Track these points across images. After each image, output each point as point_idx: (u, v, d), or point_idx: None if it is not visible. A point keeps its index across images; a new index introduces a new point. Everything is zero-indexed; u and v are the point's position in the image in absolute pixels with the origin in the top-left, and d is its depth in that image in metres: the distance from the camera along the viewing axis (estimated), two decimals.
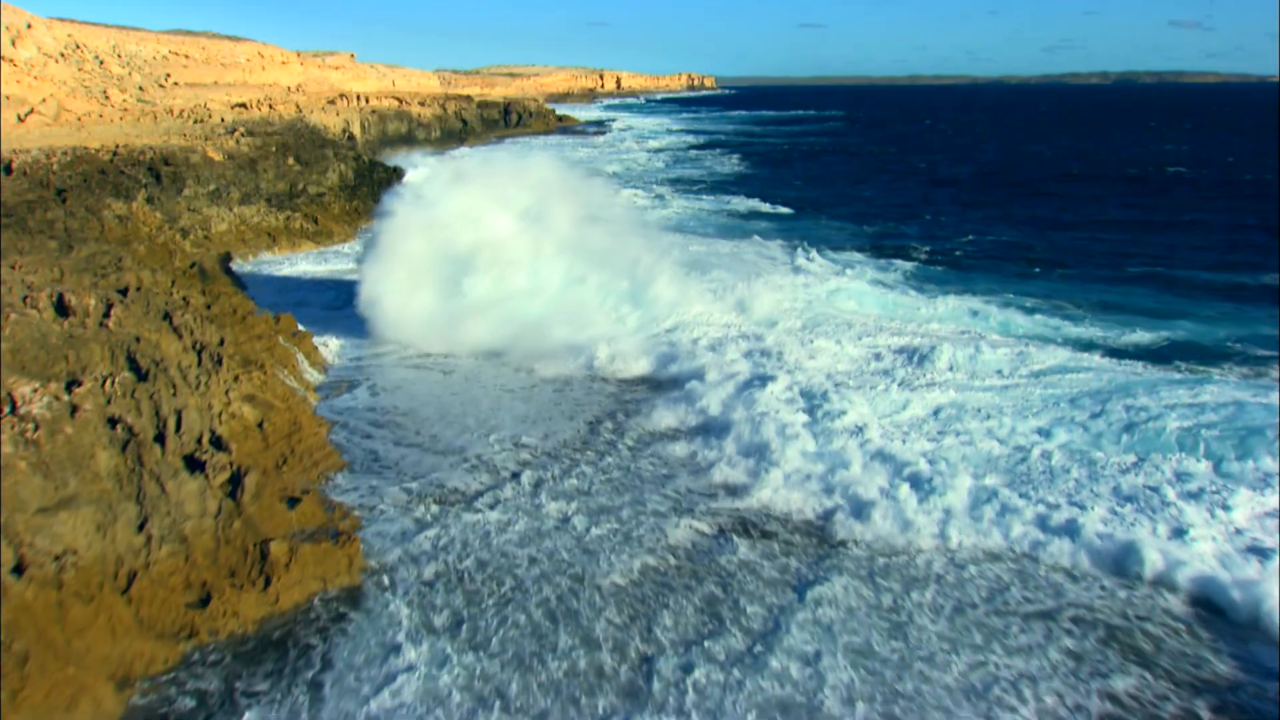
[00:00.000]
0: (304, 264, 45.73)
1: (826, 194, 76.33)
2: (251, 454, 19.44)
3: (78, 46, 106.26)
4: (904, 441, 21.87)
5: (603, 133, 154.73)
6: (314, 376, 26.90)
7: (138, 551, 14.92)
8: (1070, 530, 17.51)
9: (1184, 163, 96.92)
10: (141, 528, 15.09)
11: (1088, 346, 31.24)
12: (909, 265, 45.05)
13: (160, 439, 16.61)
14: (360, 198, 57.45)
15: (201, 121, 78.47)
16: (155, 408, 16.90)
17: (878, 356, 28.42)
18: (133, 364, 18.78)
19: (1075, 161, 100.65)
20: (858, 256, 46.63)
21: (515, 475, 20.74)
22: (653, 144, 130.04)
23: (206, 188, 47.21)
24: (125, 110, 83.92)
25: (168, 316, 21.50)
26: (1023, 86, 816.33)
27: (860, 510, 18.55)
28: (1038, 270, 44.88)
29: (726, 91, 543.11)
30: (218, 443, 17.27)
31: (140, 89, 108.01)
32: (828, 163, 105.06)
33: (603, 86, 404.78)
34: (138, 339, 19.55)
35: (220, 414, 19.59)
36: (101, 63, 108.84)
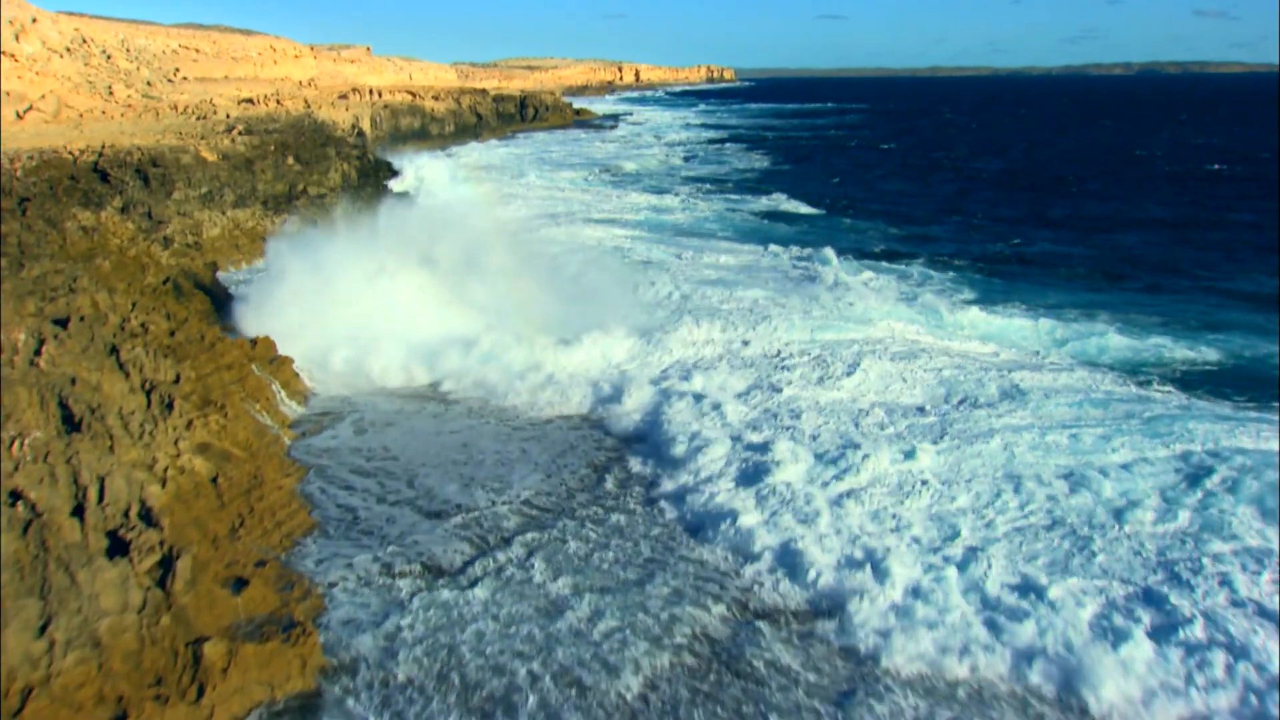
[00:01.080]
0: None
1: (854, 191, 73.13)
2: (200, 519, 16.70)
3: (84, 41, 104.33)
4: (923, 500, 18.89)
5: (620, 127, 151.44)
6: (293, 409, 24.15)
7: (36, 661, 12.19)
8: (1153, 639, 14.43)
9: (1221, 159, 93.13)
10: (43, 630, 12.36)
11: (1133, 370, 28.28)
12: (944, 276, 41.84)
13: (79, 512, 13.88)
14: (364, 198, 54.69)
15: (204, 118, 76.13)
16: (74, 474, 14.17)
17: (900, 388, 25.37)
18: (65, 410, 16.11)
19: (1108, 156, 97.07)
20: (890, 266, 43.56)
21: (509, 540, 17.85)
22: (671, 138, 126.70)
23: (198, 190, 44.56)
24: (129, 106, 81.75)
25: (115, 351, 18.79)
26: (1044, 77, 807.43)
27: (898, 612, 15.26)
28: (1080, 279, 41.77)
29: (746, 84, 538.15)
30: (147, 516, 14.50)
31: (148, 84, 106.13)
32: (853, 157, 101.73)
33: (621, 79, 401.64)
34: (74, 380, 16.85)
35: (166, 469, 16.85)
36: (109, 57, 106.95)
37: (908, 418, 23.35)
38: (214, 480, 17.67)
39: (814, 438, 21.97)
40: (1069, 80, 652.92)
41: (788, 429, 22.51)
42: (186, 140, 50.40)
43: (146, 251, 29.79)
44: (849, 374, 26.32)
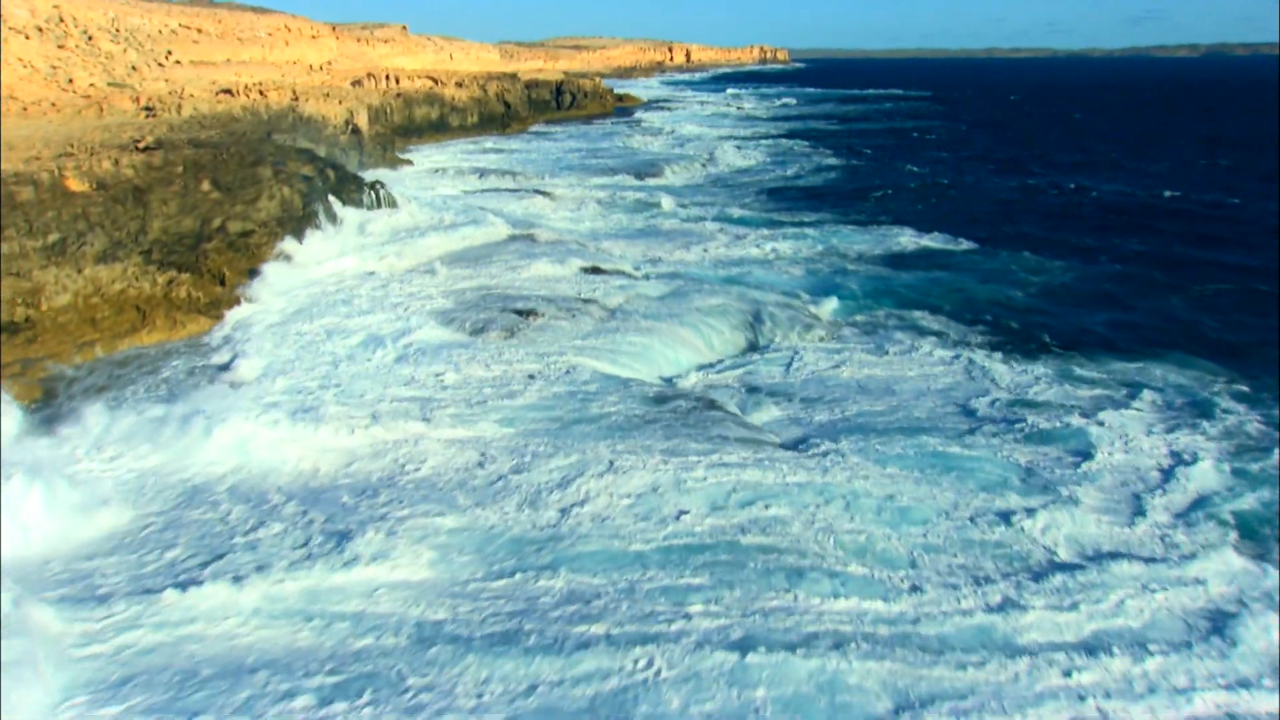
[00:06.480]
0: (170, 371, 28.52)
1: (968, 210, 56.93)
2: None
3: (61, 20, 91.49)
4: None
5: (666, 116, 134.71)
6: None
7: None
8: None
9: None
10: None
11: None
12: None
13: None
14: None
15: (155, 114, 61.94)
16: None
17: None
18: None
19: (1252, 171, 79.52)
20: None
21: None
22: (727, 132, 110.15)
23: (42, 239, 30.11)
24: (87, 97, 68.44)
25: None
26: (1107, 60, 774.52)
27: None
28: None
29: (799, 65, 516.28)
30: None
31: (133, 69, 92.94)
32: (943, 160, 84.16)
33: (671, 60, 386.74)
34: None
35: None
36: (90, 39, 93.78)
37: None
38: None
39: None
40: (1133, 63, 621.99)
41: None
42: (76, 155, 36.03)
43: None
44: None
